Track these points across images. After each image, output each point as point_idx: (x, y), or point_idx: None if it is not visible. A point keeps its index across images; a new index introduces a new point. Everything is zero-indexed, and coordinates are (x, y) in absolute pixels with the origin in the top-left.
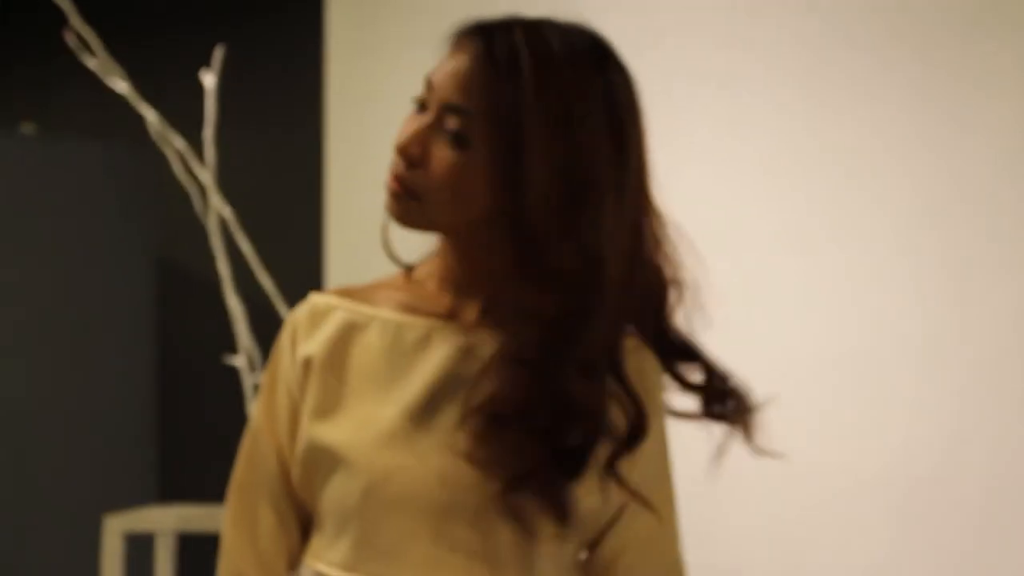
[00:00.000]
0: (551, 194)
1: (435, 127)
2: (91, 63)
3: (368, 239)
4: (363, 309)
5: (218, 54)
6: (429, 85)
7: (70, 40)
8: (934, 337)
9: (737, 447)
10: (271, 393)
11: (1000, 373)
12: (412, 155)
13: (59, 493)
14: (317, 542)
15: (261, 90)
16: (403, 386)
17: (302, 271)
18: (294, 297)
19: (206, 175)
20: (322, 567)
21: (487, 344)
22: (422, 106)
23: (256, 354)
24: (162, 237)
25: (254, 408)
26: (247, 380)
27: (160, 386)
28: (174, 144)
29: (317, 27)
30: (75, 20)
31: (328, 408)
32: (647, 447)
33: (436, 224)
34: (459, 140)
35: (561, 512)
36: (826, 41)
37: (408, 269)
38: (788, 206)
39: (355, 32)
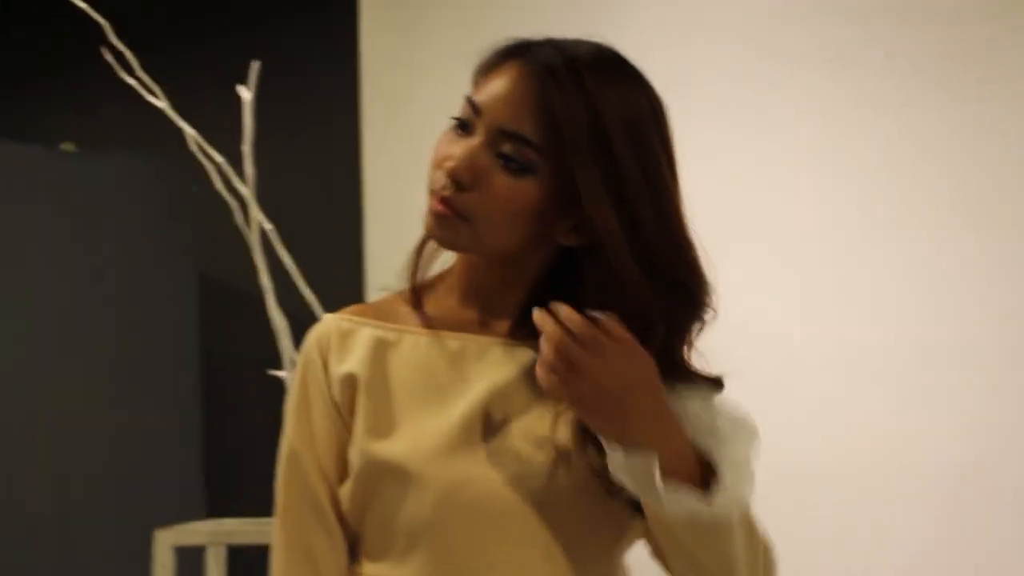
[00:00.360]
0: (647, 208)
1: (487, 151)
2: (129, 80)
3: (406, 249)
4: (389, 325)
5: (254, 68)
6: (475, 107)
7: (107, 57)
8: (969, 332)
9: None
10: (305, 414)
11: None
12: (463, 179)
13: (107, 510)
14: (380, 561)
15: (298, 103)
16: (453, 398)
17: (343, 283)
18: (336, 309)
19: (246, 189)
20: None
21: (526, 354)
22: (464, 126)
23: None
24: (204, 252)
25: (286, 432)
26: None
27: (205, 400)
28: (214, 158)
29: (352, 38)
30: (112, 37)
31: (382, 424)
32: None
33: (483, 247)
34: (520, 167)
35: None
36: (852, 40)
37: (415, 288)
38: (823, 203)
39: (389, 41)
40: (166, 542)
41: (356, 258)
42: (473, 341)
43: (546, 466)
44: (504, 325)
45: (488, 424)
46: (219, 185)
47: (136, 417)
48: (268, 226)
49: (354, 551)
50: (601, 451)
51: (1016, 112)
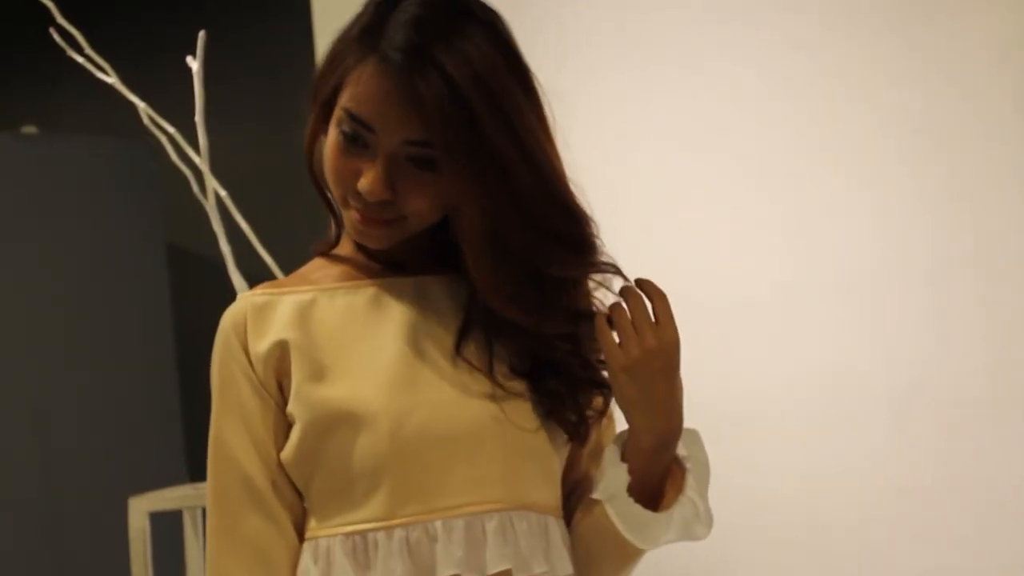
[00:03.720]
0: (517, 163)
1: (392, 163)
2: (78, 58)
3: None
4: (303, 288)
5: (201, 38)
6: (364, 124)
7: (55, 37)
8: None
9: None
10: (233, 398)
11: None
12: (385, 198)
13: (88, 483)
14: (337, 514)
15: (248, 70)
16: (381, 338)
17: (302, 243)
18: (295, 268)
19: (199, 159)
20: (353, 528)
21: (438, 284)
22: (356, 140)
23: None
24: (167, 223)
25: (212, 420)
26: None
27: (179, 365)
28: (166, 130)
29: (304, 3)
30: (58, 17)
31: (320, 376)
32: None
33: (412, 232)
34: (426, 161)
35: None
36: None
37: (321, 255)
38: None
39: (342, 5)
40: (140, 508)
41: (312, 218)
42: (387, 283)
43: (483, 387)
44: (412, 264)
45: (420, 355)
46: (174, 156)
47: (114, 385)
48: (223, 192)
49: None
50: (536, 382)
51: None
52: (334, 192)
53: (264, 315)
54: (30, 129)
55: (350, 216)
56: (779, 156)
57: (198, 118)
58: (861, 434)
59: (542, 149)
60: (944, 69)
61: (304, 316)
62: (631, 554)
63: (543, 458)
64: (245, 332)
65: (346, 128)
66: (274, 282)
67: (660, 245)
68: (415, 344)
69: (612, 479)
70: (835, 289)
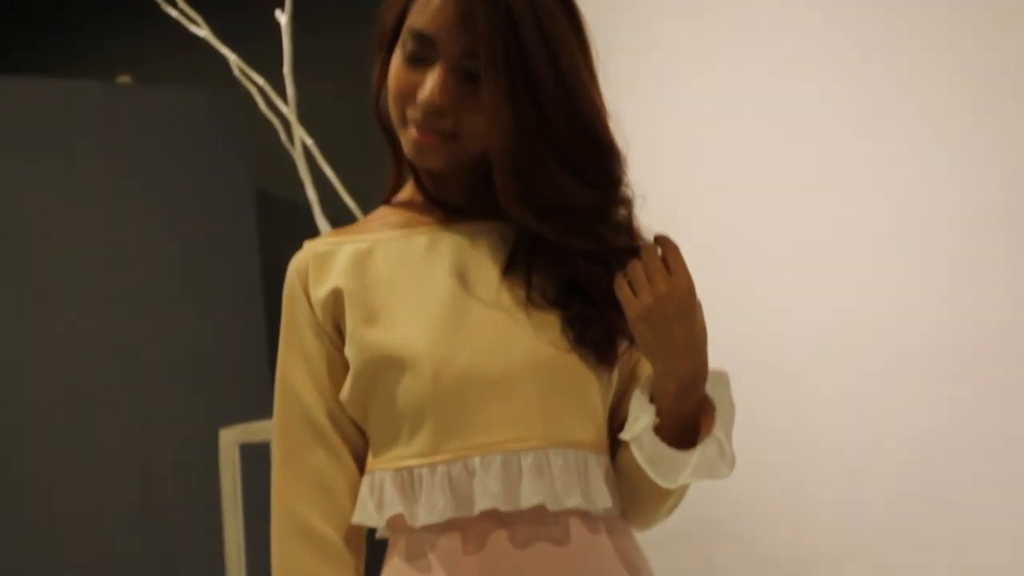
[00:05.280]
0: (556, 94)
1: (452, 75)
2: (172, 11)
3: None
4: (362, 238)
5: None
6: (427, 39)
7: None
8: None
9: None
10: (296, 341)
11: None
12: (443, 107)
13: (177, 416)
14: (389, 450)
15: (335, 22)
16: (431, 283)
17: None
18: None
19: (287, 109)
20: (401, 464)
21: (492, 230)
22: (417, 58)
23: None
24: (256, 171)
25: (279, 360)
26: None
27: (266, 306)
28: (256, 81)
29: None
30: None
31: (372, 321)
32: None
33: (467, 156)
34: (475, 78)
35: (609, 343)
36: None
37: (385, 202)
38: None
39: None
40: (230, 439)
41: None
42: (441, 229)
43: (524, 328)
44: (469, 210)
45: (465, 299)
46: (262, 107)
47: (204, 325)
48: (309, 141)
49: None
50: (569, 309)
51: None
52: (394, 115)
53: (324, 263)
54: (124, 79)
55: (408, 136)
56: (826, 107)
57: (286, 69)
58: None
59: (580, 78)
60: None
61: (360, 264)
62: (664, 490)
63: (582, 396)
64: (307, 279)
65: (409, 47)
66: (338, 230)
67: (707, 197)
68: (462, 289)
69: (637, 419)
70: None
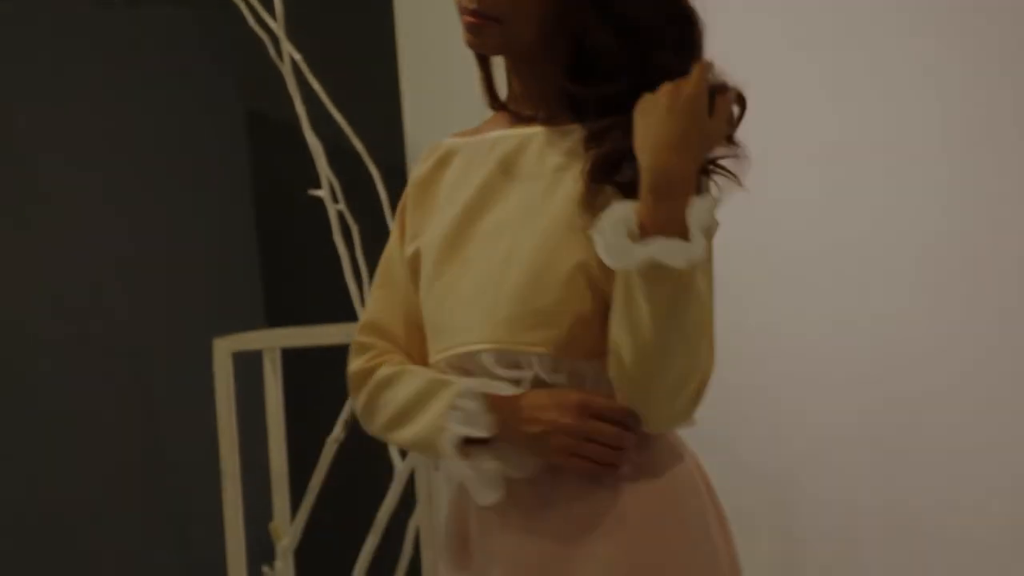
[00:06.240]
0: None
1: None
2: None
3: (441, 67)
4: (463, 139)
5: None
6: None
7: None
8: None
9: None
10: (397, 223)
11: None
12: None
13: (170, 326)
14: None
15: None
16: (466, 188)
17: (372, 106)
18: (371, 132)
19: (275, 24)
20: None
21: (559, 134)
22: None
23: (337, 185)
24: (246, 86)
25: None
26: (331, 209)
27: (257, 219)
28: None
29: None
30: None
31: (425, 221)
32: None
33: (514, 41)
34: None
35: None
36: None
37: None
38: None
39: None
40: (224, 348)
41: (383, 79)
42: (514, 134)
43: (529, 233)
44: (544, 116)
45: (488, 206)
46: (251, 21)
47: (196, 237)
48: (297, 56)
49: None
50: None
51: None
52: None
53: (426, 157)
54: None
55: (464, 23)
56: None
57: None
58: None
59: None
60: None
61: (444, 162)
62: (638, 316)
63: (549, 302)
64: (423, 163)
65: None
66: (462, 131)
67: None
68: (491, 195)
69: (608, 214)
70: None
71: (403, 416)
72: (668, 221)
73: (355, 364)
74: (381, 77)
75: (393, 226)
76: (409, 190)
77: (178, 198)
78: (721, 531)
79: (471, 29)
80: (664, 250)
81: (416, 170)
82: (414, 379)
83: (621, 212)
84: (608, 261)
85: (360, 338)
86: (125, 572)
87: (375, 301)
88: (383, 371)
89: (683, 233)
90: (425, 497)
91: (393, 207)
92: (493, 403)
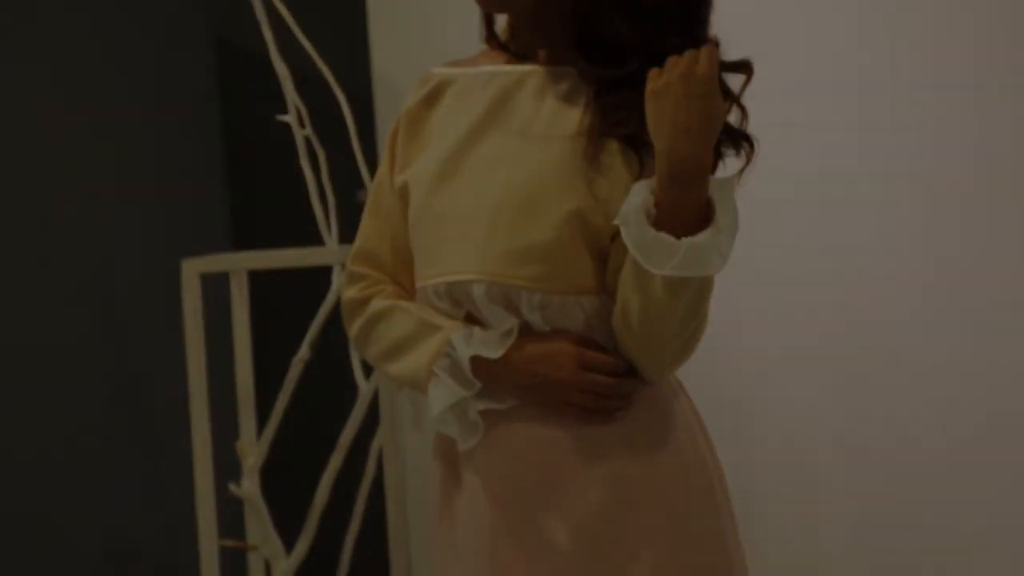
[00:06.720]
0: None
1: None
2: None
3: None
4: (459, 69)
5: None
6: None
7: None
8: None
9: None
10: (387, 152)
11: None
12: None
13: (138, 249)
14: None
15: None
16: (461, 124)
17: (340, 33)
18: (338, 57)
19: None
20: (419, 284)
21: (558, 75)
22: None
23: (304, 111)
24: (214, 14)
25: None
26: (298, 135)
27: (226, 146)
28: None
29: None
30: None
31: (416, 151)
32: None
33: (527, 2)
34: None
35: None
36: None
37: (487, 41)
38: None
39: None
40: (192, 269)
41: (350, 8)
42: (511, 71)
43: (523, 164)
44: (545, 56)
45: (480, 140)
46: None
47: (164, 160)
48: None
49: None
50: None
51: None
52: None
53: (420, 85)
54: None
55: None
56: None
57: None
58: None
59: None
60: None
61: (438, 93)
62: (651, 287)
63: (539, 232)
64: (416, 92)
65: None
66: (463, 59)
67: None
68: (486, 129)
69: (629, 202)
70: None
71: (393, 353)
72: (688, 207)
73: (349, 292)
74: (348, 5)
75: (383, 154)
76: (400, 119)
77: (146, 123)
78: (713, 460)
79: None
80: (697, 257)
81: (409, 99)
82: (405, 318)
83: (638, 198)
84: (645, 260)
85: (353, 267)
86: (94, 491)
87: (365, 228)
88: (376, 304)
89: (704, 216)
90: (388, 417)
91: (359, 134)
92: (479, 364)
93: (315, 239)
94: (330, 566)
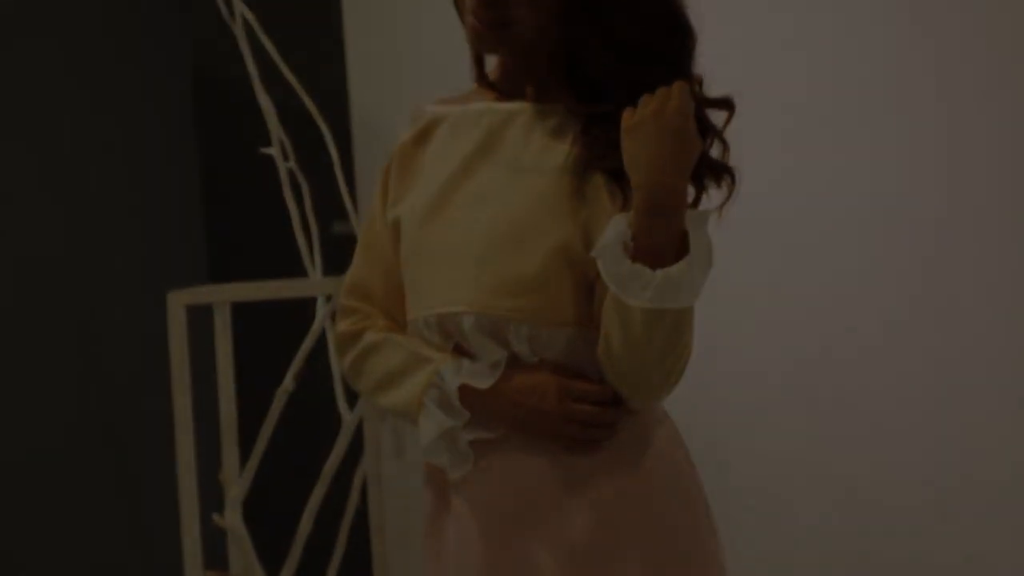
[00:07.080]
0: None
1: None
2: None
3: (385, 30)
4: (447, 108)
5: None
6: None
7: None
8: None
9: None
10: (380, 187)
11: None
12: (494, 0)
13: (125, 276)
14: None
15: None
16: (451, 160)
17: (325, 67)
18: (320, 90)
19: None
20: (410, 317)
21: (524, 112)
22: None
23: (288, 144)
24: (196, 46)
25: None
26: (281, 168)
27: (206, 178)
28: None
29: None
30: None
31: (407, 189)
32: None
33: (520, 44)
34: None
35: None
36: None
37: (477, 81)
38: None
39: None
40: (177, 301)
41: (337, 41)
42: (501, 108)
43: (508, 200)
44: (535, 94)
45: (469, 176)
46: None
47: (143, 196)
48: (249, 16)
49: None
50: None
51: None
52: (461, 19)
53: (412, 126)
54: None
55: (466, 23)
56: None
57: None
58: None
59: None
60: None
61: (429, 131)
62: (629, 319)
63: (526, 266)
64: (408, 132)
65: None
66: (454, 96)
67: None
68: (477, 165)
69: (607, 235)
70: None
71: (385, 385)
72: (664, 240)
73: (341, 326)
74: (327, 39)
75: (376, 190)
76: (393, 155)
77: (126, 155)
78: (697, 487)
79: (478, 35)
80: (671, 288)
81: (401, 136)
82: (397, 351)
83: (614, 230)
84: (618, 289)
85: (345, 301)
86: (79, 520)
87: (358, 262)
88: (369, 337)
89: (680, 249)
90: (372, 448)
91: (343, 166)
92: (467, 394)
93: (295, 271)
94: None
